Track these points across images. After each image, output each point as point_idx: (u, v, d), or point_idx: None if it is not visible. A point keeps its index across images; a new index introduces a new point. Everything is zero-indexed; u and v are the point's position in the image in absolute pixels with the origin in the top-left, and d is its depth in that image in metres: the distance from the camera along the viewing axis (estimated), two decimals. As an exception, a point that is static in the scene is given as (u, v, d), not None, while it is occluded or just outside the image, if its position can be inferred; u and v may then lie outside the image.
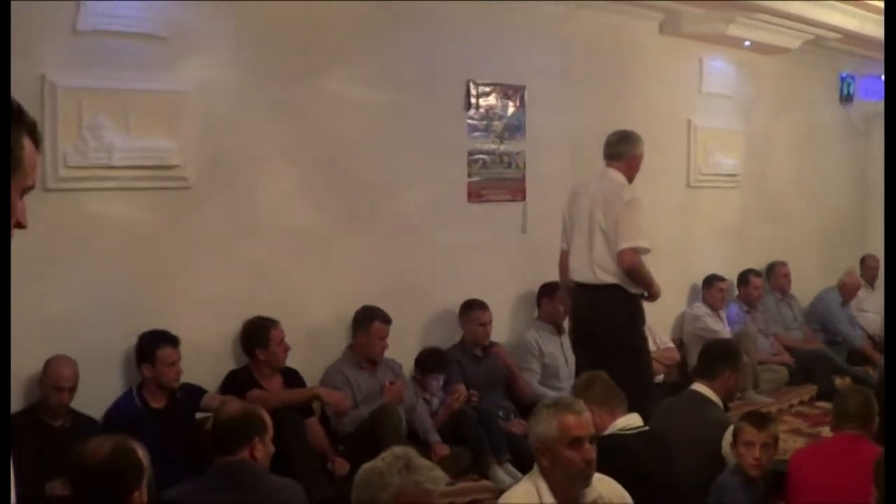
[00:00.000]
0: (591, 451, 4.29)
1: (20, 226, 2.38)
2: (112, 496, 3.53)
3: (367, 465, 3.72)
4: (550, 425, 4.29)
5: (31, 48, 6.04)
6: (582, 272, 7.28)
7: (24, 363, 6.00)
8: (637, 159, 7.42)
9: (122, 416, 6.33)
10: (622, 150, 7.38)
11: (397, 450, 3.77)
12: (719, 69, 10.58)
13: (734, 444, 5.29)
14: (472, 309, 8.14)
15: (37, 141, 2.36)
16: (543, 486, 4.30)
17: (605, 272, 7.10)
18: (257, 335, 6.91)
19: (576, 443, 4.27)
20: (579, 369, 7.13)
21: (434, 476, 3.63)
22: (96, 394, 6.30)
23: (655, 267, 9.40)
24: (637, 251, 7.03)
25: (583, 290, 7.31)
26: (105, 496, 3.50)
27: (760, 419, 5.40)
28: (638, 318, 7.25)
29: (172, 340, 6.48)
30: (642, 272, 7.09)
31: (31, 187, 2.36)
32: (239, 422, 4.67)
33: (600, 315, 7.14)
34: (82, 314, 6.28)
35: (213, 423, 4.88)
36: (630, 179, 7.36)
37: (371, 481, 3.65)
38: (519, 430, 7.69)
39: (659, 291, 7.21)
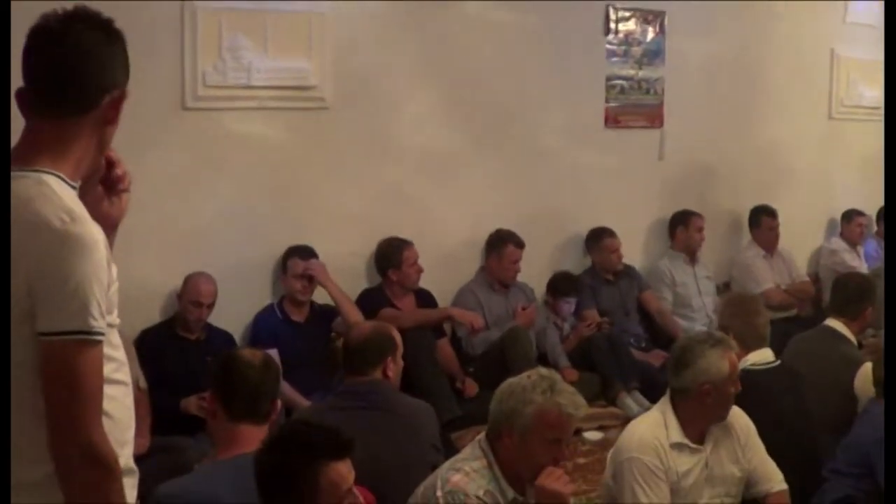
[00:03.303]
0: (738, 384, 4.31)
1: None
2: (265, 405, 3.61)
3: (512, 380, 3.80)
4: (722, 365, 4.25)
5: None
6: None
7: (163, 278, 6.18)
8: None
9: (264, 326, 6.53)
10: None
11: (543, 370, 3.83)
12: (864, -3, 10.23)
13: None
14: (601, 237, 8.05)
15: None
16: (672, 417, 4.28)
17: None
18: (390, 255, 6.97)
19: (735, 378, 4.28)
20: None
21: (575, 401, 3.68)
22: (232, 309, 6.43)
23: (794, 199, 9.27)
24: None
25: None
26: (258, 405, 3.58)
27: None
28: None
29: (303, 255, 6.59)
30: None
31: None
32: (371, 342, 4.64)
33: None
34: (219, 231, 6.41)
35: (344, 343, 4.90)
36: None
37: (515, 395, 3.73)
38: (652, 359, 7.65)
39: None
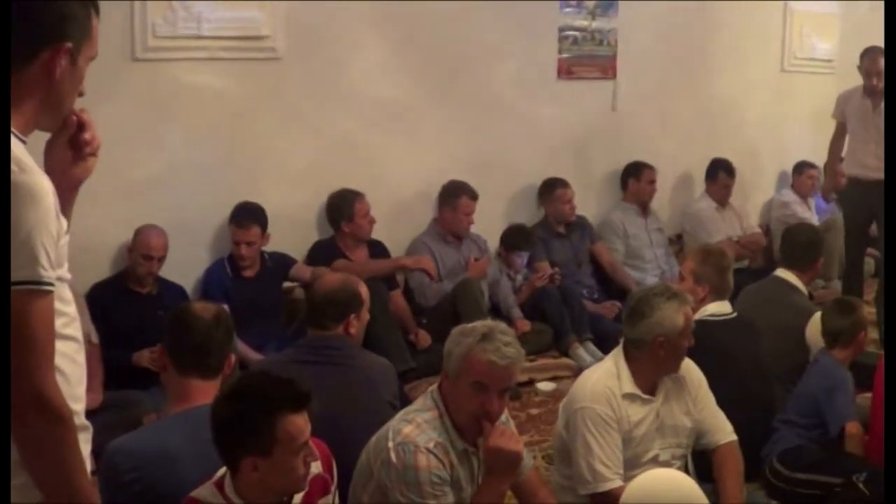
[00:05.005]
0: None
1: (80, 94, 2.54)
2: (216, 359, 3.58)
3: (463, 324, 3.80)
4: (677, 318, 4.25)
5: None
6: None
7: (113, 231, 6.13)
8: None
9: (215, 281, 6.49)
10: None
11: (491, 321, 3.81)
12: (817, -51, 10.22)
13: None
14: (554, 187, 8.05)
15: (97, 14, 2.56)
16: (624, 368, 4.30)
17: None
18: (342, 207, 6.94)
19: (688, 332, 4.30)
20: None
21: (503, 352, 3.63)
22: (184, 262, 6.40)
23: (746, 151, 9.30)
24: None
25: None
26: (207, 359, 3.56)
27: (847, 306, 5.32)
28: None
29: (241, 223, 6.50)
30: None
31: (94, 57, 2.54)
32: (337, 296, 4.55)
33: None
34: (170, 183, 6.36)
35: (309, 295, 4.84)
36: None
37: (454, 337, 3.74)
38: (604, 310, 7.69)
39: None
